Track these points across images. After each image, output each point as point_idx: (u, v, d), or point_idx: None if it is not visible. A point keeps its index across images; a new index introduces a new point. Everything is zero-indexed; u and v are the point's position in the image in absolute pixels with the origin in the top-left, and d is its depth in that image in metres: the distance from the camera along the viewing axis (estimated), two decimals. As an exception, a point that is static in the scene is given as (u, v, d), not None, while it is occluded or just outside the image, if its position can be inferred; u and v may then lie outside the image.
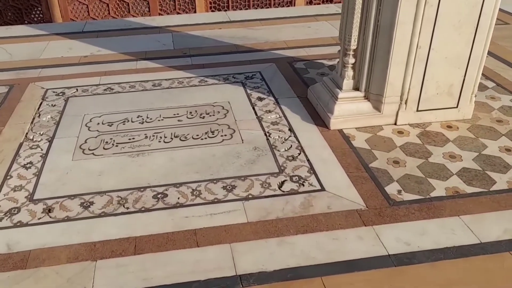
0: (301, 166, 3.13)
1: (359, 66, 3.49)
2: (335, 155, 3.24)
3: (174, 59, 4.99)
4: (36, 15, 7.22)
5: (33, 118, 3.83)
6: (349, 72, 3.52)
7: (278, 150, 3.30)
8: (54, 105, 4.04)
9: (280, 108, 3.88)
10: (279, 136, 3.47)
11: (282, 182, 2.98)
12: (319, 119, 3.68)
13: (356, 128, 3.54)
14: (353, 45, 3.40)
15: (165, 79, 4.47)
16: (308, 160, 3.19)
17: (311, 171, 3.07)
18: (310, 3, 7.79)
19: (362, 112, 3.54)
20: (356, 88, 3.57)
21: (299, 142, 3.40)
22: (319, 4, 7.74)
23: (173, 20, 6.30)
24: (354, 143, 3.38)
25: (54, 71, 4.73)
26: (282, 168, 3.11)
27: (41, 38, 5.68)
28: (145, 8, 7.42)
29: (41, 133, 3.61)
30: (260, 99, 4.06)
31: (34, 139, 3.52)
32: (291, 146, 3.36)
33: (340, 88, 3.57)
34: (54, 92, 4.27)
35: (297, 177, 3.02)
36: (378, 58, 3.35)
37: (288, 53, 5.01)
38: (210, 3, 7.54)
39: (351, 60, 3.47)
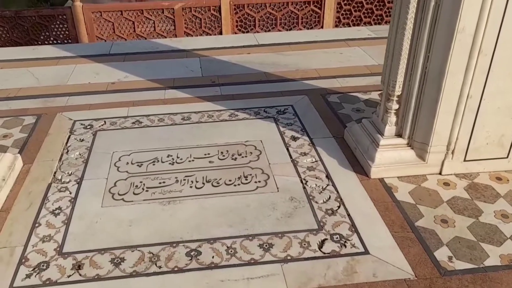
0: (341, 223, 2.97)
1: (403, 113, 3.31)
2: (377, 209, 3.07)
3: (203, 88, 4.89)
4: (62, 32, 7.22)
5: (61, 155, 3.75)
6: (392, 118, 3.35)
7: (316, 202, 3.15)
8: (82, 139, 3.97)
9: (316, 149, 3.73)
10: (316, 185, 3.32)
11: (323, 242, 2.82)
12: (358, 165, 3.51)
13: (398, 177, 3.36)
14: (398, 91, 3.23)
15: (195, 112, 4.36)
16: (348, 214, 3.03)
17: (353, 229, 2.91)
18: (339, 22, 7.62)
19: (405, 160, 3.36)
20: (399, 134, 3.40)
21: (337, 192, 3.24)
22: (348, 25, 7.57)
23: (199, 43, 6.21)
24: (397, 195, 3.20)
25: (82, 99, 4.67)
26: (321, 224, 2.96)
27: (67, 61, 5.65)
28: (170, 26, 7.36)
29: (70, 172, 3.53)
30: (294, 138, 3.91)
31: (63, 180, 3.44)
32: (330, 197, 3.20)
33: (382, 134, 3.40)
34: (82, 124, 4.20)
35: (338, 236, 2.86)
36: (424, 106, 3.17)
37: (320, 83, 4.86)
38: (237, 21, 7.44)
39: (395, 106, 3.30)
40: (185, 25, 7.36)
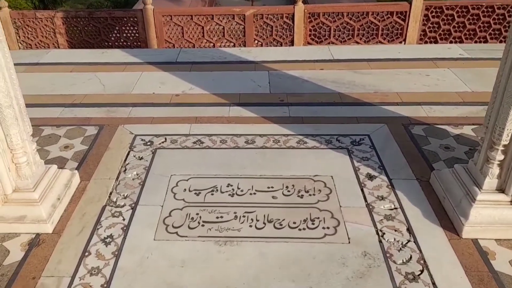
0: (424, 293, 2.55)
1: (508, 165, 2.81)
2: (470, 280, 2.61)
3: (270, 107, 4.62)
4: (132, 34, 7.30)
5: (119, 173, 3.65)
6: (494, 170, 2.85)
7: (394, 262, 2.75)
8: (141, 157, 3.85)
9: (395, 193, 3.31)
10: (395, 239, 2.91)
11: (400, 316, 2.43)
12: (446, 219, 3.05)
13: (496, 240, 2.87)
14: (505, 140, 2.74)
15: (259, 135, 4.10)
16: (434, 283, 2.60)
17: (439, 304, 2.48)
18: (425, 35, 7.01)
19: (506, 221, 2.85)
20: (501, 189, 2.89)
21: (420, 251, 2.81)
22: (435, 40, 6.94)
23: (269, 54, 5.95)
24: (494, 263, 2.71)
25: (145, 111, 4.59)
26: (400, 292, 2.56)
27: (134, 67, 5.65)
28: (240, 32, 7.17)
29: (125, 195, 3.41)
30: (370, 177, 3.51)
31: (118, 203, 3.32)
32: (411, 257, 2.78)
33: (480, 187, 2.91)
34: (142, 140, 4.09)
35: (419, 310, 2.45)
36: (540, 160, 2.66)
37: (402, 111, 4.40)
38: (310, 30, 7.09)
39: (499, 156, 2.81)
40: (256, 32, 7.15)
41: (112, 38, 7.32)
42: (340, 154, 3.80)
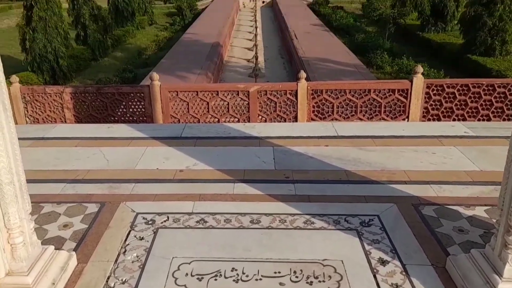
0: None
1: (530, 252, 2.70)
2: None
3: (276, 184, 4.57)
4: (139, 110, 7.46)
5: (118, 255, 3.52)
6: (515, 257, 2.74)
7: None
8: (142, 237, 3.74)
9: (411, 281, 3.15)
10: (413, 334, 2.73)
11: None
12: (467, 311, 2.88)
13: (523, 336, 2.68)
14: (524, 225, 2.66)
15: (265, 214, 4.01)
16: None
17: None
18: (427, 113, 7.15)
19: (533, 315, 2.68)
20: (524, 279, 2.76)
21: None
22: (438, 118, 7.07)
23: (274, 130, 6.03)
24: None
25: (147, 187, 4.55)
26: None
27: (139, 142, 5.69)
28: (244, 108, 7.33)
29: (123, 280, 3.25)
30: (383, 261, 3.37)
31: (115, 289, 3.17)
32: None
33: (500, 275, 2.78)
34: (144, 218, 4.00)
35: None
36: None
37: (411, 190, 4.34)
38: (313, 107, 7.26)
39: (519, 243, 2.71)
40: (260, 108, 7.31)
41: (119, 113, 7.48)
42: (349, 236, 3.69)
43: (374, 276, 3.22)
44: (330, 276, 3.23)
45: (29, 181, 4.52)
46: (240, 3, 32.94)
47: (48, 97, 7.35)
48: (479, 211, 3.95)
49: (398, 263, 3.35)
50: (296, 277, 3.24)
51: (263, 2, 33.24)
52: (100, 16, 19.18)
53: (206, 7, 30.62)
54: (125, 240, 3.72)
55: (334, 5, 29.73)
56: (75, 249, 3.56)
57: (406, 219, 3.87)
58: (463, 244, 3.52)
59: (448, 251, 3.43)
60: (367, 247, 3.53)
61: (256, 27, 22.33)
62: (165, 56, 16.55)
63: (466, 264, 3.07)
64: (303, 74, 7.20)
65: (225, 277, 3.25)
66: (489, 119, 7.04)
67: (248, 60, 18.06)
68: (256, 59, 17.06)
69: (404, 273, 3.24)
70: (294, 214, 4.01)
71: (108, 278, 3.28)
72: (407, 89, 7.04)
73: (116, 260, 3.47)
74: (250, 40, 21.63)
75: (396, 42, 19.40)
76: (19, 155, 3.07)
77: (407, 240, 3.60)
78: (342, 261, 3.38)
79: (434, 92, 7.09)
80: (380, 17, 21.62)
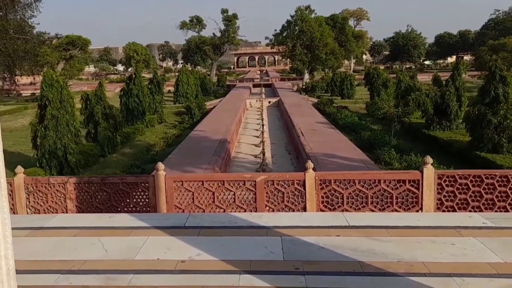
0: None
1: None
2: None
3: (285, 275, 4.32)
4: (142, 200, 7.40)
5: None
6: None
7: None
8: (137, 333, 3.44)
9: None
10: None
11: None
12: None
13: None
14: None
15: (274, 309, 3.73)
16: None
17: None
18: (441, 204, 7.00)
19: None
20: None
21: None
22: (453, 209, 6.91)
23: (282, 220, 5.88)
24: None
25: (147, 279, 4.30)
26: None
27: (141, 232, 5.54)
28: (251, 198, 7.25)
29: None
30: None
31: None
32: None
33: None
34: (140, 312, 3.73)
35: None
36: None
37: (432, 283, 4.05)
38: (322, 197, 7.16)
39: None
40: (267, 198, 7.22)
41: (122, 204, 7.41)
42: (367, 333, 3.36)
43: None
44: None
45: (22, 271, 4.36)
46: (247, 103, 34.51)
47: (51, 188, 7.36)
48: (510, 306, 3.64)
49: None
50: None
51: (269, 102, 34.84)
52: (111, 115, 20.06)
53: (214, 107, 32.07)
54: (118, 336, 3.42)
55: (339, 105, 31.04)
56: None
57: (430, 316, 3.56)
58: None
59: None
60: None
61: (262, 125, 23.08)
62: (172, 152, 16.90)
63: None
64: (310, 164, 7.22)
65: None
66: (506, 211, 6.84)
67: (255, 156, 18.35)
68: (263, 154, 17.35)
69: None
70: (305, 310, 3.72)
71: None
72: (418, 180, 6.97)
73: None
74: (257, 137, 22.22)
75: (403, 139, 19.80)
76: (10, 237, 2.95)
77: (432, 338, 3.27)
78: None
79: (447, 183, 7.00)
80: (385, 115, 22.39)
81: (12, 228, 5.35)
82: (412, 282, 4.10)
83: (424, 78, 35.39)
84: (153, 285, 4.18)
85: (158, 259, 4.76)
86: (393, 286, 4.03)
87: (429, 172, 6.93)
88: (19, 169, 7.45)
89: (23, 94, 44.94)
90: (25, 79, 46.70)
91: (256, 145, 20.55)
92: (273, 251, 4.90)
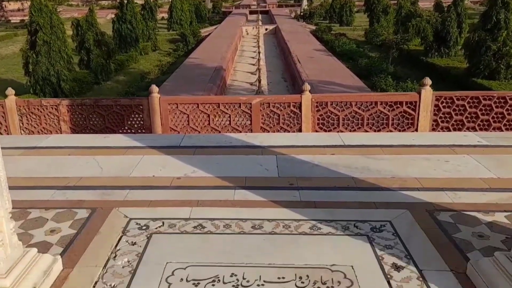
0: None
1: None
2: None
3: (279, 190, 4.33)
4: (137, 122, 7.31)
5: (108, 260, 3.26)
6: (548, 256, 2.47)
7: None
8: (134, 243, 3.47)
9: (428, 287, 2.86)
10: None
11: None
12: (494, 319, 2.58)
13: None
14: (558, 218, 2.41)
15: (268, 220, 3.75)
16: None
17: None
18: (437, 126, 6.95)
19: None
20: (559, 280, 2.48)
21: None
22: (448, 130, 6.86)
23: (277, 140, 5.82)
24: None
25: (142, 194, 4.31)
26: None
27: (135, 151, 5.49)
28: (246, 120, 7.16)
29: (112, 285, 2.98)
30: (397, 267, 3.09)
31: (102, 295, 2.89)
32: None
33: (531, 277, 2.50)
34: (137, 224, 3.75)
35: None
36: None
37: (425, 196, 4.08)
38: (318, 119, 7.08)
39: (552, 239, 2.45)
40: (262, 121, 7.13)
41: (116, 126, 7.31)
42: (359, 242, 3.41)
43: (388, 282, 2.93)
44: (339, 282, 2.94)
45: (17, 187, 4.34)
46: (243, 30, 33.35)
47: (44, 110, 7.22)
48: (499, 217, 3.68)
49: (414, 268, 3.06)
50: (302, 282, 2.95)
51: (266, 29, 33.66)
52: (103, 42, 19.37)
53: (209, 34, 31.01)
54: (116, 245, 3.46)
55: (337, 32, 30.07)
56: (61, 254, 3.30)
57: (421, 225, 3.60)
58: (484, 249, 3.24)
59: (468, 257, 3.15)
60: (379, 253, 3.26)
61: (259, 52, 22.48)
62: (167, 80, 16.57)
63: (491, 269, 2.79)
64: (307, 86, 7.06)
65: (224, 283, 2.97)
66: (501, 131, 6.82)
67: (251, 84, 18.05)
68: (259, 82, 17.06)
69: (421, 279, 2.95)
70: (299, 220, 3.75)
71: (96, 283, 3.01)
72: (415, 102, 6.87)
73: (105, 265, 3.20)
74: (253, 64, 21.72)
75: (400, 66, 19.43)
76: (-1, 150, 2.84)
77: (422, 245, 3.33)
78: (352, 266, 3.10)
79: (444, 104, 6.91)
80: (383, 42, 21.80)
81: (6, 148, 5.28)
82: (405, 195, 4.12)
83: (425, 4, 34.00)
84: (149, 199, 4.19)
85: (153, 176, 4.75)
86: (386, 199, 4.06)
87: (427, 94, 6.80)
88: (10, 91, 7.25)
89: (12, 21, 43.15)
90: (13, 5, 44.50)
91: (252, 73, 20.15)
92: (268, 168, 4.89)
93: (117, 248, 3.42)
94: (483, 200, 3.98)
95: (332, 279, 2.98)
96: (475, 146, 5.32)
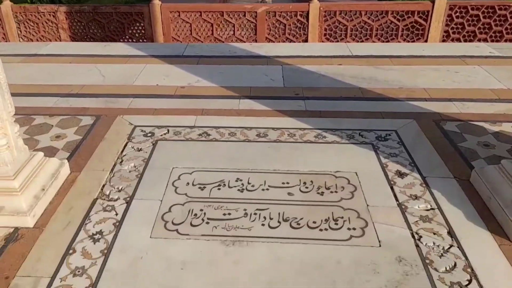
0: (476, 307, 2.11)
1: None
2: (530, 294, 2.17)
3: (284, 100, 4.24)
4: (138, 31, 7.01)
5: (114, 165, 3.27)
6: (555, 163, 2.44)
7: (436, 269, 2.31)
8: (140, 149, 3.47)
9: (431, 193, 2.88)
10: (434, 243, 2.48)
11: (449, 335, 1.99)
12: (494, 222, 2.62)
13: (557, 247, 2.43)
14: None
15: (273, 128, 3.71)
16: (486, 297, 2.16)
17: (495, 321, 2.04)
18: (448, 37, 6.65)
19: None
20: None
21: (466, 258, 2.37)
22: (459, 41, 6.57)
23: (283, 50, 5.60)
24: (557, 275, 2.27)
25: (146, 102, 4.23)
26: (445, 305, 2.12)
27: (138, 60, 5.31)
28: (251, 30, 6.86)
29: (120, 188, 3.01)
30: (400, 174, 3.09)
31: (111, 197, 2.93)
32: (455, 264, 2.35)
33: (535, 184, 2.49)
34: (142, 131, 3.72)
35: (472, 329, 2.01)
36: None
37: (432, 106, 3.99)
38: (325, 29, 6.76)
39: (563, 146, 2.40)
40: (268, 31, 6.82)
41: (117, 35, 7.03)
42: (364, 150, 3.39)
43: (391, 188, 2.95)
44: (343, 187, 2.96)
45: (19, 94, 4.26)
46: None
47: (41, 17, 6.88)
48: (507, 127, 3.62)
49: (417, 175, 3.07)
50: (306, 187, 2.98)
51: None
52: None
53: None
54: (122, 151, 3.45)
55: None
56: (68, 159, 3.30)
57: (426, 134, 3.55)
58: (489, 158, 3.22)
59: (472, 165, 3.14)
60: (383, 160, 3.25)
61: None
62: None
63: (495, 176, 2.78)
64: (315, -7, 6.64)
65: (229, 187, 3.00)
66: (514, 43, 6.54)
67: (255, -6, 17.15)
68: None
69: (424, 185, 2.96)
70: (304, 129, 3.71)
71: (103, 186, 3.04)
72: (428, 11, 6.49)
73: (112, 170, 3.22)
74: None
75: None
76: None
77: (427, 154, 3.31)
78: (356, 173, 3.11)
79: (457, 14, 6.54)
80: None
81: (4, 55, 5.11)
82: (412, 106, 4.03)
83: None
84: (153, 107, 4.12)
85: (157, 85, 4.64)
86: (393, 109, 3.98)
87: (441, 2, 6.40)
88: (4, -4, 6.87)
89: None
90: None
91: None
92: (274, 78, 4.75)
93: (123, 154, 3.42)
94: (491, 110, 3.89)
95: (336, 184, 3.00)
96: (486, 57, 5.11)
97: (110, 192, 2.97)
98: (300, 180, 3.05)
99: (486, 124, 3.66)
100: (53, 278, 2.31)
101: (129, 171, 3.20)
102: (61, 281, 2.29)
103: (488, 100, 4.07)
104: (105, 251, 2.48)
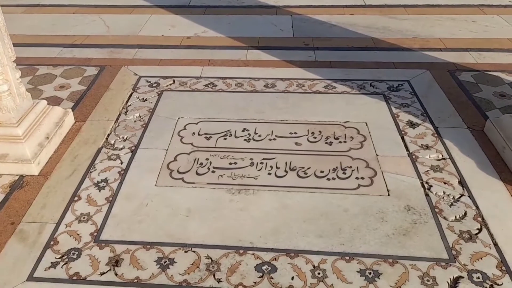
0: (485, 255, 2.06)
1: None
2: (541, 242, 2.11)
3: (293, 50, 4.08)
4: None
5: (119, 115, 3.20)
6: None
7: (445, 218, 2.26)
8: (145, 99, 3.39)
9: (443, 143, 2.79)
10: (444, 193, 2.41)
11: (456, 281, 1.95)
12: (507, 172, 2.53)
13: None
14: None
15: (281, 79, 3.59)
16: (495, 244, 2.11)
17: (503, 268, 1.99)
18: (466, -13, 6.30)
19: None
20: None
21: (477, 207, 2.31)
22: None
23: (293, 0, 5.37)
24: None
25: (152, 53, 4.11)
26: (453, 252, 2.07)
27: (143, 10, 5.13)
28: (260, -19, 6.55)
29: (125, 137, 2.96)
30: (412, 124, 2.99)
31: (115, 146, 2.88)
32: (466, 213, 2.28)
33: (554, 132, 2.38)
34: (147, 81, 3.62)
35: (480, 275, 1.96)
36: None
37: (447, 57, 3.82)
38: (337, -21, 6.43)
39: None
40: (277, -19, 6.52)
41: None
42: (375, 100, 3.28)
43: (402, 138, 2.86)
44: (352, 137, 2.88)
45: (22, 44, 4.16)
46: None
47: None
48: (525, 78, 3.47)
49: (429, 125, 2.96)
50: (314, 137, 2.90)
51: None
52: None
53: None
54: (127, 101, 3.38)
55: None
56: (72, 108, 3.24)
57: (440, 85, 3.41)
58: (504, 108, 3.10)
59: (487, 115, 3.02)
60: (394, 111, 3.14)
61: None
62: None
63: (510, 124, 2.66)
64: None
65: (236, 137, 2.93)
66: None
67: None
68: None
69: (436, 135, 2.86)
70: (314, 79, 3.58)
71: (108, 135, 2.99)
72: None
73: (117, 120, 3.15)
74: None
75: None
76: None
77: (440, 104, 3.18)
78: (366, 123, 3.01)
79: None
80: None
81: (7, 5, 4.96)
82: (427, 56, 3.86)
83: None
84: (158, 58, 4.00)
85: (162, 35, 4.49)
86: (406, 59, 3.81)
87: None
88: None
89: None
90: None
91: None
92: (283, 28, 4.56)
93: (128, 103, 3.35)
94: (509, 60, 3.71)
95: (345, 134, 2.91)
96: (505, 6, 4.84)
97: (115, 141, 2.93)
98: (308, 130, 2.97)
99: (503, 74, 3.50)
100: (58, 224, 2.31)
101: (134, 121, 3.14)
102: (66, 227, 2.28)
103: (506, 50, 3.88)
104: (110, 199, 2.46)
